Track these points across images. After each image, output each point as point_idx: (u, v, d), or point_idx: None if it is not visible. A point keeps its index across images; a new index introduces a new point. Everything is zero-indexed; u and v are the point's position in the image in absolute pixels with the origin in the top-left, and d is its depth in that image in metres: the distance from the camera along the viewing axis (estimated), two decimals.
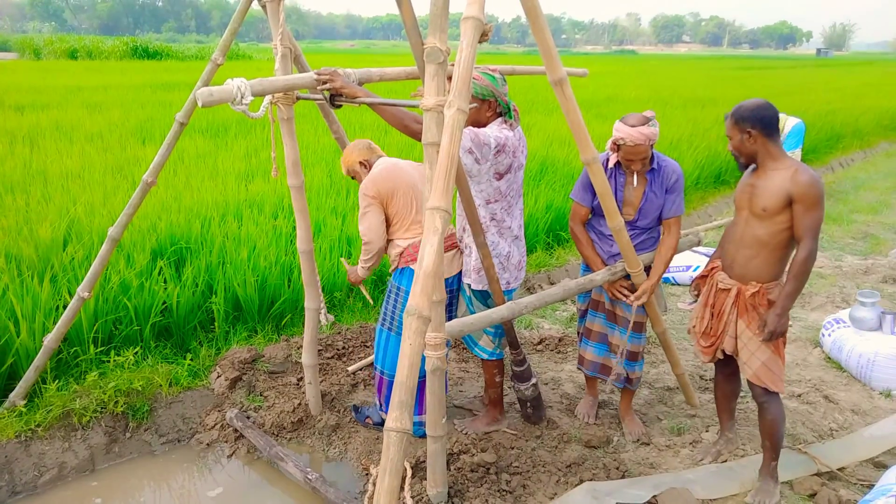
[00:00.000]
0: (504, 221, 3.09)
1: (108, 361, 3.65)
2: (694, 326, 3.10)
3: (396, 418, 1.80)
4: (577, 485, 2.98)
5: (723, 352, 2.99)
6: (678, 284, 5.79)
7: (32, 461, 3.14)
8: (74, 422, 3.30)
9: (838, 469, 3.10)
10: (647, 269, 3.23)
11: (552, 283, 5.51)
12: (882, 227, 7.61)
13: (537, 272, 5.62)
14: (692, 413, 3.69)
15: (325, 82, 2.73)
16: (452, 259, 3.22)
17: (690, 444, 3.39)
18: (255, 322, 4.37)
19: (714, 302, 2.98)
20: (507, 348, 3.34)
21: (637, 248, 3.16)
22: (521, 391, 3.41)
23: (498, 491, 2.93)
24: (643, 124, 2.98)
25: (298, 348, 3.99)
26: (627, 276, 3.20)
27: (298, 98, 3.10)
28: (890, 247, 6.75)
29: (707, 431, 3.49)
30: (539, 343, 4.56)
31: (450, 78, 2.16)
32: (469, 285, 3.19)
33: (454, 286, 3.26)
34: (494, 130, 2.94)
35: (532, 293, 4.88)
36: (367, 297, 3.71)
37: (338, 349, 4.28)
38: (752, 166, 2.83)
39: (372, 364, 4.12)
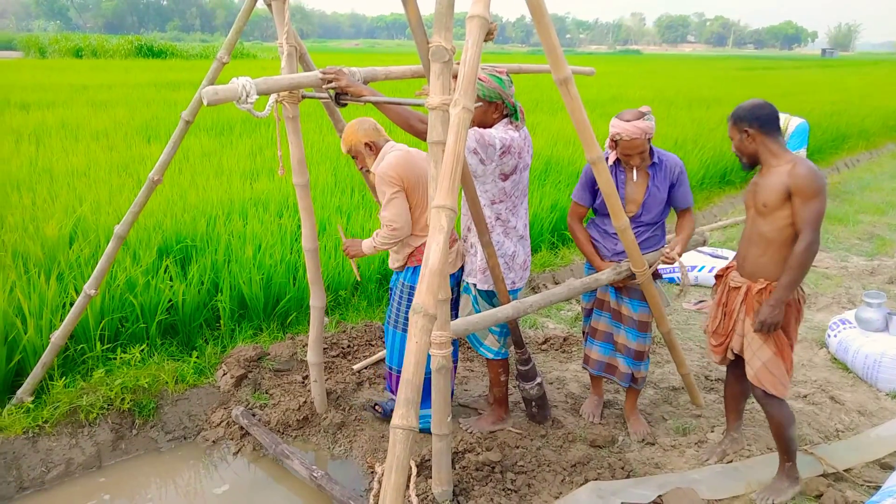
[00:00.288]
0: (509, 221, 3.09)
1: (115, 359, 3.66)
2: (708, 326, 3.10)
3: (403, 415, 1.81)
4: (581, 484, 2.98)
5: (733, 352, 2.98)
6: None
7: (40, 457, 3.16)
8: (81, 418, 3.31)
9: (844, 470, 3.09)
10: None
11: (557, 283, 5.51)
12: (888, 227, 7.58)
13: (542, 272, 5.62)
14: (697, 413, 3.68)
15: (330, 81, 2.74)
16: (456, 257, 3.22)
17: (696, 444, 3.39)
18: (261, 320, 4.38)
19: (726, 300, 2.98)
20: (512, 347, 3.34)
21: (641, 245, 3.16)
22: (526, 390, 3.41)
23: (503, 490, 2.93)
24: (638, 119, 3.03)
25: (304, 346, 3.99)
26: (633, 276, 3.19)
27: (304, 97, 3.10)
28: None
29: (712, 432, 3.49)
30: (544, 342, 4.56)
31: (455, 77, 2.16)
32: (474, 285, 3.19)
33: (451, 283, 3.25)
34: (500, 131, 2.94)
35: (537, 293, 4.88)
36: (356, 271, 3.66)
37: (343, 347, 4.29)
38: (760, 166, 2.83)
39: (378, 363, 4.13)
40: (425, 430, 2.94)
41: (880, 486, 2.86)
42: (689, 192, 3.27)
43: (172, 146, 3.23)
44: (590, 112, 2.88)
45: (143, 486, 3.17)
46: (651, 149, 3.18)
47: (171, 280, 4.18)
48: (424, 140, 2.48)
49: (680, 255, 3.23)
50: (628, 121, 3.04)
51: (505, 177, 2.99)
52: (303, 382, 3.84)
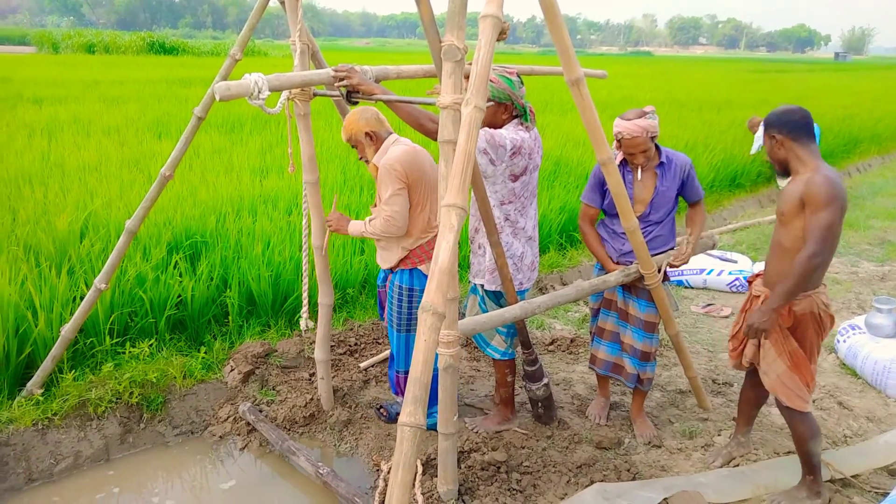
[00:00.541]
0: (518, 222, 3.09)
1: (124, 353, 3.69)
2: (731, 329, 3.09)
3: (410, 413, 1.81)
4: (587, 486, 2.97)
5: (748, 361, 2.95)
6: (691, 287, 5.76)
7: (49, 449, 3.18)
8: (90, 411, 3.34)
9: (852, 476, 3.07)
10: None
11: (564, 284, 5.50)
12: None
13: (550, 273, 5.61)
14: (704, 417, 3.67)
15: (342, 79, 2.75)
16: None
17: (702, 447, 3.37)
18: (269, 317, 4.40)
19: (749, 307, 2.96)
20: (520, 348, 3.34)
21: (650, 244, 3.16)
22: (532, 391, 3.41)
23: (508, 490, 2.93)
24: (640, 117, 3.04)
25: (311, 343, 4.01)
26: (641, 278, 3.19)
27: (315, 94, 3.11)
28: None
29: (719, 435, 3.47)
30: (551, 343, 4.55)
31: (467, 76, 2.16)
32: (482, 286, 3.19)
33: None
34: (510, 132, 2.94)
35: (544, 294, 4.87)
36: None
37: (350, 345, 4.30)
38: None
39: (383, 361, 4.13)
40: (431, 427, 2.94)
41: (888, 493, 2.84)
42: (699, 186, 3.29)
43: (184, 142, 3.24)
44: (600, 113, 2.87)
45: (150, 480, 3.19)
46: (658, 148, 3.18)
47: (180, 276, 4.21)
48: (435, 140, 2.48)
49: (687, 260, 3.23)
50: (630, 119, 3.06)
51: (515, 178, 2.99)
52: (310, 379, 3.85)
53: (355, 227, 3.17)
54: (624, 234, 3.12)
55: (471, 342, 4.25)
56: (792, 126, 2.66)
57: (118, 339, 3.79)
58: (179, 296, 4.08)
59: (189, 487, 3.17)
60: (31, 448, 3.15)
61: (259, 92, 2.40)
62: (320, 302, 3.42)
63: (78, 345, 3.69)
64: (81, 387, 3.41)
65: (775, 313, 2.67)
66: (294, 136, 3.16)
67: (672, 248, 3.30)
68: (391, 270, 3.29)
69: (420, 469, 2.90)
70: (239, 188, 5.99)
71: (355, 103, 2.87)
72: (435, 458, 2.89)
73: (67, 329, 3.42)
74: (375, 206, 3.19)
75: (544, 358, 4.37)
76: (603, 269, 3.33)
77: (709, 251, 3.98)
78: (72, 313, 3.53)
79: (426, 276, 3.18)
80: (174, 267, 4.25)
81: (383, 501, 2.74)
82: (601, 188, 3.22)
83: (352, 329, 4.45)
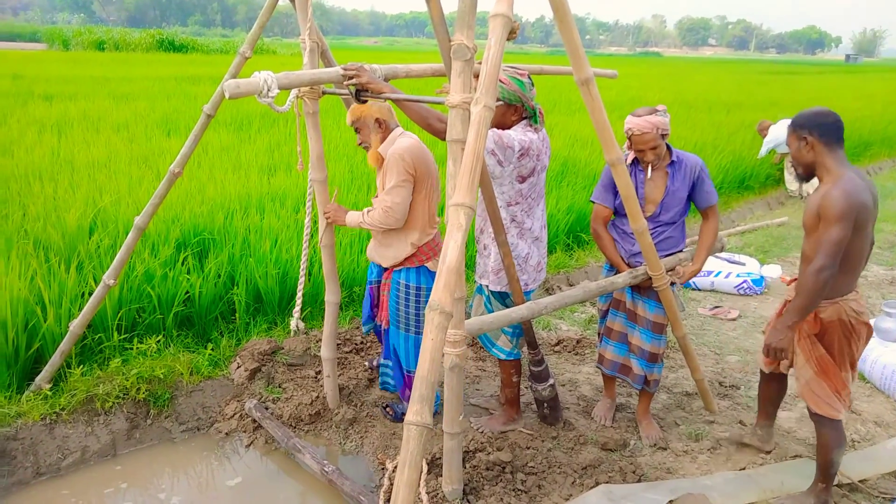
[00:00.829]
0: (524, 223, 3.09)
1: (131, 349, 3.71)
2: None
3: (417, 412, 1.81)
4: (592, 487, 2.97)
5: (787, 367, 2.93)
6: (699, 289, 5.74)
7: (56, 444, 3.20)
8: (97, 407, 3.36)
9: (860, 481, 3.05)
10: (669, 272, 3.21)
11: (571, 285, 5.49)
12: None
13: (556, 273, 5.60)
14: (710, 419, 3.65)
15: (351, 77, 2.75)
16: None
17: (708, 450, 3.36)
18: (276, 314, 4.41)
19: (781, 311, 2.94)
20: (526, 348, 3.34)
21: (660, 245, 3.15)
22: (538, 391, 3.40)
23: (513, 490, 2.93)
24: (650, 114, 3.04)
25: (318, 342, 4.01)
26: (649, 279, 3.18)
27: (324, 93, 3.11)
28: None
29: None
30: (557, 344, 4.54)
31: (476, 76, 2.16)
32: (487, 286, 3.19)
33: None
34: (519, 133, 2.93)
35: (551, 294, 4.86)
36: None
37: (356, 344, 4.31)
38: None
39: None
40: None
41: (895, 498, 2.82)
42: (713, 190, 3.20)
43: (193, 139, 3.25)
44: (609, 114, 2.87)
45: (156, 476, 3.20)
46: (669, 148, 3.17)
47: (188, 272, 4.22)
48: (443, 139, 2.47)
49: (693, 275, 3.23)
50: (640, 116, 3.06)
51: (522, 179, 2.99)
52: (316, 377, 3.86)
53: (353, 217, 3.16)
54: (633, 234, 3.11)
55: (476, 342, 4.24)
56: (824, 129, 2.56)
57: (126, 335, 3.81)
58: (187, 292, 4.09)
59: (195, 483, 3.18)
60: (38, 442, 3.17)
61: (268, 90, 2.41)
62: (327, 300, 3.42)
63: (86, 340, 3.71)
64: (89, 382, 3.43)
65: (790, 331, 2.64)
66: (303, 134, 3.16)
67: (681, 251, 3.29)
68: (390, 268, 3.29)
69: (425, 468, 2.90)
70: (247, 186, 6.00)
71: (364, 102, 2.88)
72: (440, 458, 2.89)
73: (76, 324, 3.44)
74: (377, 196, 3.19)
75: (550, 358, 4.36)
76: (612, 270, 3.32)
77: (717, 253, 3.96)
78: (80, 309, 3.55)
79: (433, 274, 3.18)
80: (182, 264, 4.27)
81: (388, 500, 2.74)
82: (613, 188, 3.21)
83: (358, 327, 4.45)
